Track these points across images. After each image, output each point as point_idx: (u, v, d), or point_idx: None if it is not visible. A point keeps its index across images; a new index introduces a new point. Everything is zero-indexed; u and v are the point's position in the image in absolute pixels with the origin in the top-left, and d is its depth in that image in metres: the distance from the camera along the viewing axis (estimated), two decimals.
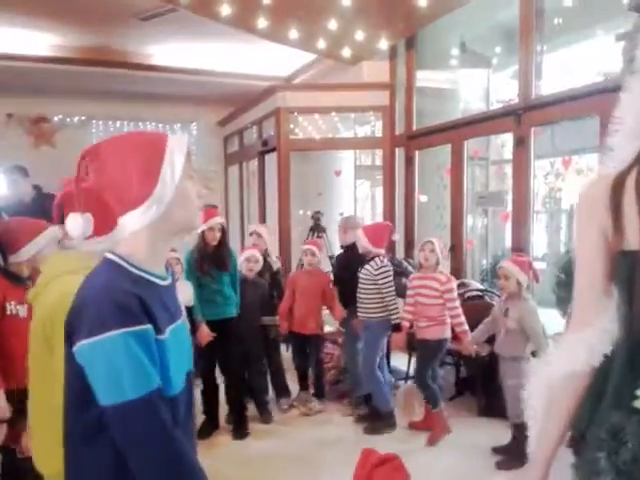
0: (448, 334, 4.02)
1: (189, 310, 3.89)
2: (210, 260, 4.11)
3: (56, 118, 7.92)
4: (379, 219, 10.62)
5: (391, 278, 4.18)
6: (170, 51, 6.85)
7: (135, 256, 1.26)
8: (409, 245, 6.06)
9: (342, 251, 4.85)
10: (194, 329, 3.92)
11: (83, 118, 8.02)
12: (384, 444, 3.52)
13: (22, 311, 2.72)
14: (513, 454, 3.37)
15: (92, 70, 6.78)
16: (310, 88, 6.88)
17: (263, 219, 7.25)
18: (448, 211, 5.69)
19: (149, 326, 1.17)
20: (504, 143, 8.94)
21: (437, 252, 4.05)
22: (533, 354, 3.49)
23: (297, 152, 6.66)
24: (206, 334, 4.03)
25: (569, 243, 8.29)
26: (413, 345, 4.40)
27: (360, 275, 4.26)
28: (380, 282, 4.15)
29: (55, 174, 5.79)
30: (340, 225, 4.83)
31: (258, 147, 7.33)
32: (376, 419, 4.23)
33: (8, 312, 2.68)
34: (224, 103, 8.24)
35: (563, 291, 6.87)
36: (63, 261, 1.86)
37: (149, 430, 1.13)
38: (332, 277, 4.89)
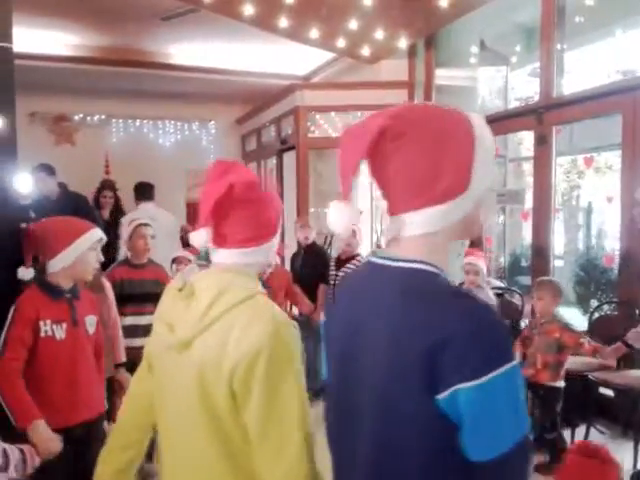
0: None
1: None
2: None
3: (76, 117, 8.01)
4: None
5: None
6: (189, 50, 6.92)
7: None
8: None
9: (301, 251, 5.07)
10: None
11: (103, 117, 8.11)
12: None
13: (59, 332, 2.20)
14: None
15: (112, 70, 6.86)
16: (329, 87, 6.91)
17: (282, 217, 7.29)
18: None
19: None
20: (521, 141, 8.95)
21: None
22: None
23: (315, 150, 6.70)
24: None
25: (588, 241, 8.28)
26: None
27: (338, 274, 4.56)
28: None
29: (75, 172, 5.99)
30: (302, 225, 5.05)
31: (277, 145, 7.38)
32: None
33: (42, 334, 2.16)
34: (242, 101, 8.31)
35: (583, 289, 6.91)
36: (229, 286, 1.27)
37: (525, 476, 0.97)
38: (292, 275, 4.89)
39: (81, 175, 6.26)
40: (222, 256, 1.34)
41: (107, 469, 1.50)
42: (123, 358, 3.05)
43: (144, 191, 5.38)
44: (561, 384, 3.56)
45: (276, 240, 1.40)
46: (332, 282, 4.68)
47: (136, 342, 3.11)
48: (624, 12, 5.34)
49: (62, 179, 5.20)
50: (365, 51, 5.96)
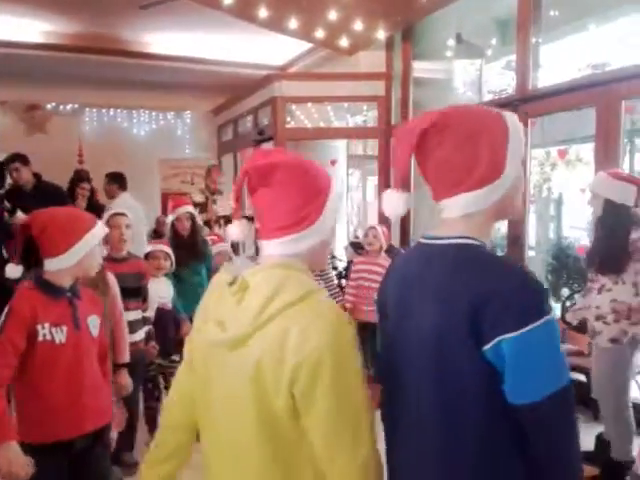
0: None
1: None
2: (185, 251, 3.88)
3: (49, 106, 7.87)
4: (369, 208, 10.74)
5: (330, 266, 4.70)
6: (166, 39, 6.83)
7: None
8: (405, 234, 6.16)
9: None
10: (177, 326, 3.80)
11: (76, 106, 7.98)
12: None
13: (59, 335, 2.01)
14: None
15: (86, 57, 6.74)
16: (307, 77, 6.91)
17: None
18: None
19: None
20: None
21: (380, 238, 4.49)
22: None
23: (290, 142, 6.70)
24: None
25: (559, 231, 8.47)
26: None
27: None
28: (326, 271, 4.56)
29: (48, 162, 5.89)
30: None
31: (253, 136, 7.35)
32: None
33: (40, 338, 1.96)
34: (218, 91, 8.24)
35: (555, 277, 7.07)
36: (287, 280, 1.20)
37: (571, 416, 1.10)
38: None
39: (54, 165, 6.14)
40: (268, 248, 1.26)
41: (153, 474, 1.45)
42: (126, 359, 2.87)
43: (122, 181, 5.36)
44: None
45: (327, 222, 1.26)
46: None
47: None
48: (597, 6, 5.46)
49: (35, 169, 5.12)
50: (343, 42, 5.97)
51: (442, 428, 1.14)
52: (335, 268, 6.38)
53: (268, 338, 1.15)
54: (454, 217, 1.21)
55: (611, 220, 3.04)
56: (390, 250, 4.79)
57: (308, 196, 1.23)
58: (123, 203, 5.13)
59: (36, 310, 1.96)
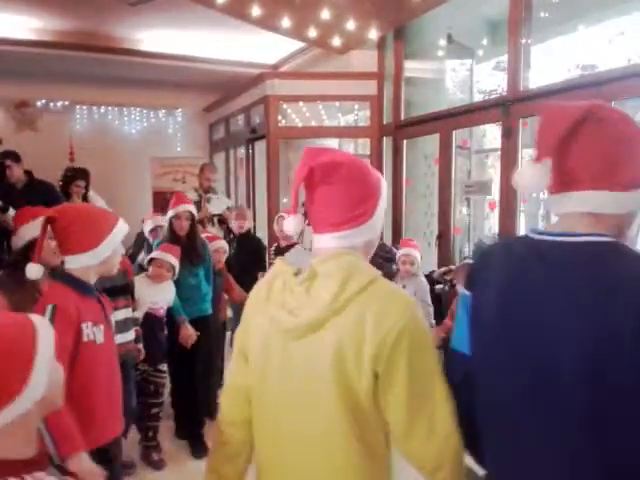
0: None
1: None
2: (183, 252, 3.72)
3: (39, 103, 7.81)
4: None
5: None
6: (157, 37, 6.82)
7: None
8: (397, 232, 6.19)
9: (236, 238, 5.20)
10: (175, 329, 3.70)
11: (66, 103, 7.92)
12: None
13: (99, 335, 1.95)
14: None
15: (77, 54, 6.72)
16: (299, 76, 6.92)
17: (252, 206, 7.30)
18: (436, 199, 5.83)
19: None
20: (484, 133, 9.13)
21: None
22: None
23: (282, 140, 6.72)
24: (191, 333, 3.70)
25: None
26: None
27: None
28: None
29: (38, 159, 5.86)
30: (238, 213, 5.25)
31: (246, 134, 7.36)
32: None
33: (85, 338, 1.89)
34: (210, 89, 8.23)
35: None
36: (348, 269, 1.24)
37: None
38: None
39: (44, 163, 6.12)
40: (322, 241, 1.31)
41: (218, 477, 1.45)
42: None
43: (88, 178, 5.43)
44: None
45: (378, 221, 1.34)
46: None
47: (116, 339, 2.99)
48: (587, 8, 5.51)
49: (25, 167, 5.08)
50: (336, 41, 5.99)
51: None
52: None
53: (346, 321, 1.19)
54: (593, 212, 1.11)
55: None
56: (382, 248, 4.84)
57: (366, 195, 1.30)
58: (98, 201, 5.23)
59: (79, 308, 1.88)
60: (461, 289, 1.29)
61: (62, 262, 1.97)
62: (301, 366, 1.24)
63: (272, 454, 1.33)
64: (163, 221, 4.22)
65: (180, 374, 3.89)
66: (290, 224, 1.33)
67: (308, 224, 1.37)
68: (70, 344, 1.83)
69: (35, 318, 1.08)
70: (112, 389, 2.04)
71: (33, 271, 1.87)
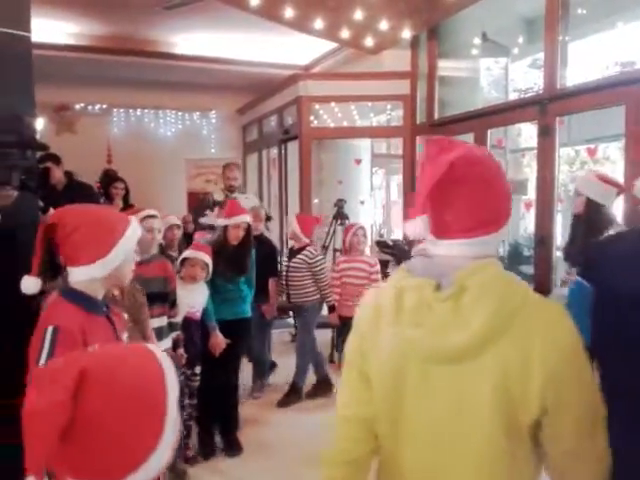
0: None
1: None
2: (228, 261, 3.65)
3: (78, 106, 8.02)
4: (393, 207, 10.73)
5: (325, 266, 4.72)
6: (191, 40, 6.92)
7: None
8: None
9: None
10: (206, 335, 3.61)
11: (104, 106, 8.11)
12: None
13: None
14: None
15: (114, 58, 6.88)
16: (332, 77, 6.94)
17: (285, 207, 7.34)
18: None
19: None
20: (520, 132, 9.01)
21: (367, 237, 4.86)
22: None
23: (314, 141, 6.73)
24: (220, 341, 3.60)
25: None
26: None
27: (291, 264, 4.66)
28: (316, 270, 4.60)
29: (77, 162, 5.99)
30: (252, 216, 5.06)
31: (279, 135, 7.40)
32: (290, 393, 4.63)
33: None
34: (243, 91, 8.32)
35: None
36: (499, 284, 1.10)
37: None
38: None
39: (83, 164, 6.25)
40: (448, 249, 1.14)
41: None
42: None
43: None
44: None
45: (506, 226, 1.17)
46: (284, 272, 4.76)
47: None
48: (626, 4, 5.39)
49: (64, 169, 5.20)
50: (368, 42, 5.98)
51: None
52: None
53: (508, 347, 1.04)
54: None
55: (591, 218, 3.15)
56: (385, 245, 4.92)
57: (504, 195, 1.15)
58: None
59: (84, 328, 1.58)
60: (574, 283, 1.29)
61: (65, 275, 1.67)
62: (448, 395, 1.09)
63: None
64: (177, 220, 4.21)
65: (211, 375, 3.79)
66: (415, 227, 1.14)
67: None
68: None
69: (158, 353, 0.96)
70: None
71: (28, 286, 1.63)
